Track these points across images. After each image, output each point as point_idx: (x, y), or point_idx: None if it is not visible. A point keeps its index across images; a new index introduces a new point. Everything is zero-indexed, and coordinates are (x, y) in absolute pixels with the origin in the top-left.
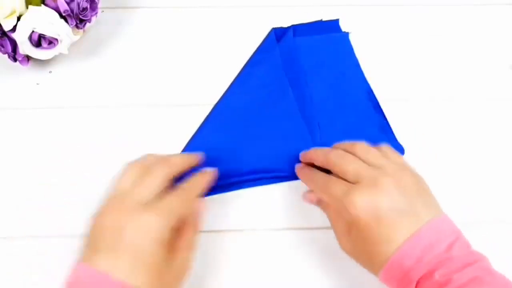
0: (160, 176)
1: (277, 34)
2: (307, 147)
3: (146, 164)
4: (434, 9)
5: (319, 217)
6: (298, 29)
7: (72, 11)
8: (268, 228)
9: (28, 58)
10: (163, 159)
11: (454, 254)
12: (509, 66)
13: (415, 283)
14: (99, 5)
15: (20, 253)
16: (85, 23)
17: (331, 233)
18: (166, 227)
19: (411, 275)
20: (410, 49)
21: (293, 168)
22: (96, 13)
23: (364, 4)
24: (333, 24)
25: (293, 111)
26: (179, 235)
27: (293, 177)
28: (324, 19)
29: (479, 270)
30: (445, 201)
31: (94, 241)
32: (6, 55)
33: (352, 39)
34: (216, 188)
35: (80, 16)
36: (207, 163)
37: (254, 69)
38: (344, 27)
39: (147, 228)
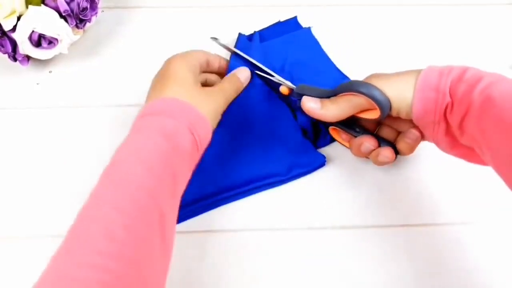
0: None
1: (242, 42)
2: (304, 149)
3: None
4: (434, 9)
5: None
6: (262, 34)
7: (72, 11)
8: (282, 228)
9: (28, 58)
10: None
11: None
12: (509, 66)
13: (448, 93)
14: (99, 5)
15: (20, 253)
16: (85, 23)
17: (337, 234)
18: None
19: (441, 86)
20: (409, 49)
21: (291, 171)
22: (96, 13)
23: (364, 4)
24: (293, 23)
25: (282, 112)
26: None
27: (290, 179)
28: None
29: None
30: (445, 200)
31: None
32: (6, 55)
33: (351, 39)
34: (217, 201)
35: (80, 16)
36: (207, 176)
37: None
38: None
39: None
